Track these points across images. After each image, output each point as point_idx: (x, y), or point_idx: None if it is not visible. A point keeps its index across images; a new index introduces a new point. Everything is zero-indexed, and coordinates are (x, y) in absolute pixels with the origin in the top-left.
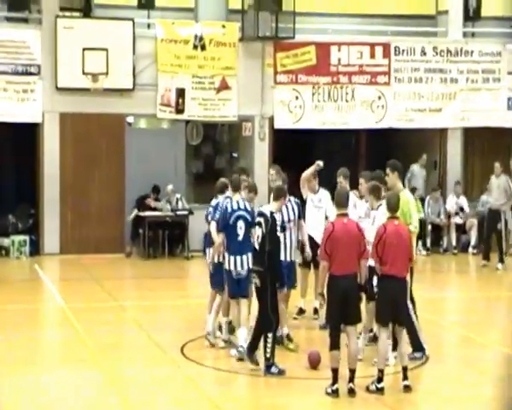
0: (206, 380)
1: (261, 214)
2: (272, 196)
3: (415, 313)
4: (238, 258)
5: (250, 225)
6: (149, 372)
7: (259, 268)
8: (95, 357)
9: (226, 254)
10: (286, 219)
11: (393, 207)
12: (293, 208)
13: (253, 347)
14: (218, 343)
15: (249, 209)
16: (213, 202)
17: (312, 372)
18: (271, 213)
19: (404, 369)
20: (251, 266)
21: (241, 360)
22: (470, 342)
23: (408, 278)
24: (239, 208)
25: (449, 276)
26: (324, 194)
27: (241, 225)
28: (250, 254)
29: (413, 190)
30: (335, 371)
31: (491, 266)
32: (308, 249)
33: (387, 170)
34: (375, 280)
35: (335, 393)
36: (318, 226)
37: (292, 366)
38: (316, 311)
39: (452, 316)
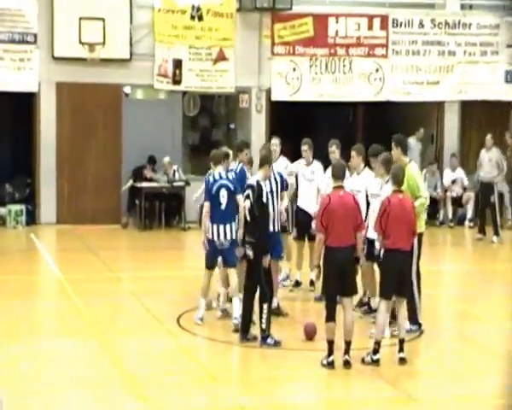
0: (202, 351)
1: (248, 186)
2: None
3: (419, 288)
4: (221, 227)
5: (233, 193)
6: (145, 343)
7: (251, 239)
8: (90, 328)
9: (209, 224)
10: (268, 190)
11: (399, 180)
12: (275, 179)
13: (245, 328)
14: (217, 313)
15: (231, 178)
16: None
17: (308, 344)
18: (257, 181)
19: (401, 341)
20: (234, 236)
21: (236, 331)
22: (465, 315)
23: (416, 250)
24: (221, 178)
25: (444, 249)
26: (317, 166)
27: (223, 193)
28: (234, 225)
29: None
30: (331, 343)
31: (486, 239)
32: (284, 216)
33: (392, 144)
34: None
35: (331, 365)
36: (311, 199)
37: (287, 338)
38: (312, 283)
39: (447, 289)
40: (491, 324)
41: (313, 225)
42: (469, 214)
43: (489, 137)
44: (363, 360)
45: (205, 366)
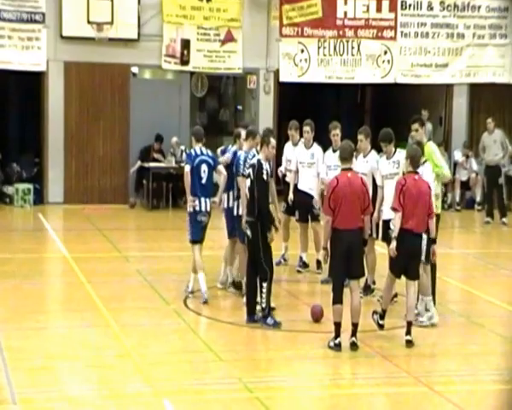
0: (208, 331)
1: (250, 165)
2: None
3: (434, 275)
4: (202, 199)
5: (213, 168)
6: (151, 323)
7: (250, 218)
8: (98, 307)
9: (190, 197)
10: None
11: (417, 162)
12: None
13: (250, 309)
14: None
15: (211, 155)
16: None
17: (315, 326)
18: (258, 160)
19: (409, 324)
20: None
21: (206, 303)
22: (473, 299)
23: (434, 232)
24: (202, 153)
25: (452, 232)
26: (317, 149)
27: (204, 168)
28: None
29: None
30: (338, 325)
31: (494, 222)
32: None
33: (417, 125)
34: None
35: (338, 346)
36: (312, 182)
37: (294, 319)
38: (319, 265)
39: (455, 272)
40: (499, 307)
41: (315, 204)
42: (478, 197)
43: (490, 119)
44: (373, 314)
45: (211, 346)
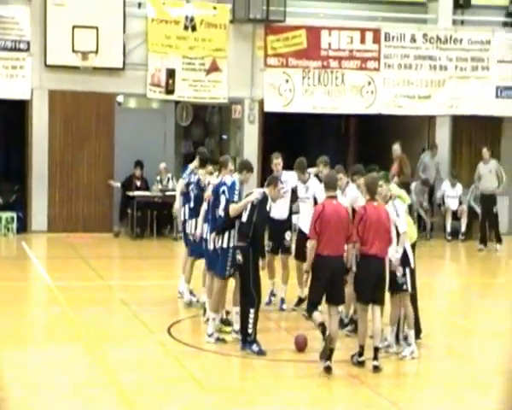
0: (193, 361)
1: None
2: (266, 182)
3: (415, 305)
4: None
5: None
6: (136, 352)
7: (242, 243)
8: (81, 336)
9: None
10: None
11: (374, 190)
12: None
13: (245, 337)
14: (227, 336)
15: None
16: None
17: (299, 355)
18: (264, 192)
19: (375, 349)
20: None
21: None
22: (457, 328)
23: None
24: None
25: (441, 262)
26: (313, 182)
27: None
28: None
29: (424, 183)
30: (323, 325)
31: (487, 250)
32: None
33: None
34: (400, 270)
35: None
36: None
37: (278, 348)
38: (300, 300)
39: (442, 302)
40: (483, 338)
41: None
42: (463, 228)
43: (485, 149)
44: (352, 358)
45: (194, 375)
